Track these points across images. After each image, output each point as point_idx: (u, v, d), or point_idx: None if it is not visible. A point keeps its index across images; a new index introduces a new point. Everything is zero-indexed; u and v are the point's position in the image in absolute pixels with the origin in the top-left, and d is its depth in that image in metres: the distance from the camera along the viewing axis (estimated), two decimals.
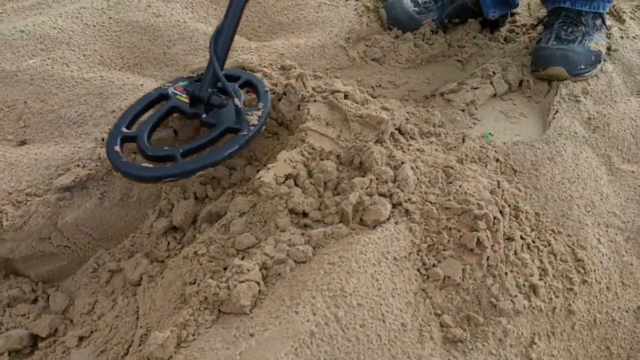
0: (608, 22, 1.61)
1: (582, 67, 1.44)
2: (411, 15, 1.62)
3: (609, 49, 1.55)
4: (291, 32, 1.55)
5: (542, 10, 1.75)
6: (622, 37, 1.60)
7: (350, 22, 1.56)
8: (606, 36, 1.59)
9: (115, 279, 1.10)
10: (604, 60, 1.51)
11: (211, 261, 0.96)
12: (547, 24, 1.54)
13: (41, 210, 1.04)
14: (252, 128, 1.07)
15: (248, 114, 1.10)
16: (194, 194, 1.17)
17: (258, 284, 0.88)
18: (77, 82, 1.25)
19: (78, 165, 1.08)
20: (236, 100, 1.07)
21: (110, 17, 1.42)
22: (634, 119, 1.37)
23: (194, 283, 0.94)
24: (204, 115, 1.09)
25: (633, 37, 1.62)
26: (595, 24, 1.52)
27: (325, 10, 1.61)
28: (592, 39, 1.49)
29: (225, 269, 0.94)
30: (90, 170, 1.09)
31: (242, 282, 0.87)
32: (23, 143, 1.16)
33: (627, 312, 1.07)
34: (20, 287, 1.09)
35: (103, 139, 1.13)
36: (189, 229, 1.15)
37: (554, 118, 1.32)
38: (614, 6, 1.78)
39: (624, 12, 1.74)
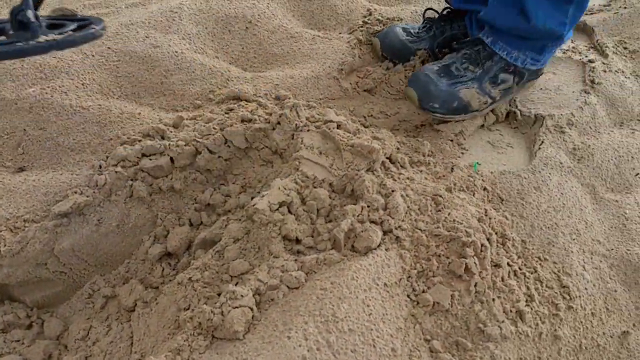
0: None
1: (436, 105, 1.37)
2: (404, 44, 1.64)
3: (592, 82, 1.60)
4: (286, 64, 1.59)
5: None
6: (605, 71, 1.65)
7: (343, 54, 1.61)
8: (509, 101, 1.52)
9: (110, 305, 1.11)
10: (475, 112, 1.44)
11: (205, 287, 0.98)
12: (455, 49, 1.50)
13: (38, 236, 1.05)
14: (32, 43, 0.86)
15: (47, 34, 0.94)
16: (189, 221, 1.19)
17: (251, 309, 0.90)
18: (75, 110, 1.28)
19: (75, 192, 1.10)
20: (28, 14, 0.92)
21: (109, 47, 1.46)
22: (616, 150, 1.42)
23: (188, 309, 0.96)
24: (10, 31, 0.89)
25: (615, 70, 1.67)
26: (498, 77, 1.43)
27: (319, 42, 1.66)
28: (472, 88, 1.40)
29: (219, 294, 0.95)
30: (87, 197, 1.11)
31: (236, 307, 0.89)
32: (21, 170, 1.18)
33: (611, 337, 1.09)
34: (15, 312, 1.09)
35: (100, 167, 1.16)
36: (183, 255, 1.16)
37: (539, 148, 1.36)
38: (597, 41, 1.84)
39: (607, 46, 1.79)
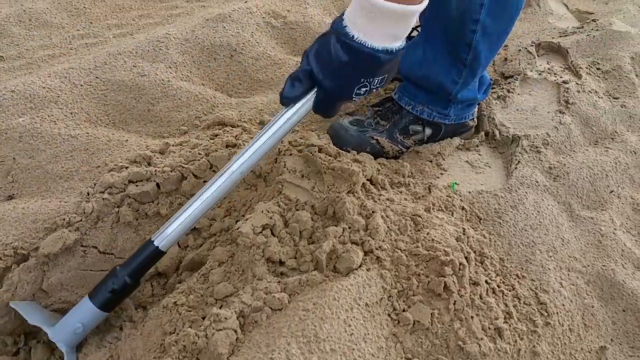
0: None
1: (350, 149, 1.35)
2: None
3: (567, 102, 1.65)
4: (270, 89, 1.63)
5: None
6: (579, 92, 1.71)
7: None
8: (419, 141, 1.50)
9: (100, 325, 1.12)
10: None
11: (190, 310, 1.00)
12: (375, 104, 1.55)
13: (24, 278, 1.08)
14: None
15: None
16: (177, 243, 1.21)
17: (235, 332, 0.92)
18: (64, 138, 1.31)
19: (64, 219, 1.12)
20: None
21: (97, 77, 1.49)
22: (591, 168, 1.46)
23: (174, 332, 0.98)
24: None
25: (589, 91, 1.73)
26: (409, 128, 1.46)
27: None
28: (383, 136, 1.43)
29: (203, 317, 0.98)
30: (76, 229, 1.13)
31: (220, 330, 0.91)
32: (11, 198, 1.20)
33: (589, 352, 1.12)
34: (3, 339, 1.10)
35: (88, 194, 1.18)
36: (172, 274, 1.19)
37: (516, 168, 1.40)
38: (571, 62, 1.90)
39: (580, 67, 1.85)
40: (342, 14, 0.97)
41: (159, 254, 1.05)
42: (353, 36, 0.93)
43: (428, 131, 1.48)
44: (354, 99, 1.02)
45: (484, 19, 1.27)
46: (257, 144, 1.06)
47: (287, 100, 1.05)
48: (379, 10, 0.89)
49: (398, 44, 0.95)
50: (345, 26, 0.94)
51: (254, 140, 1.07)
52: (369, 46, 0.93)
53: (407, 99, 1.46)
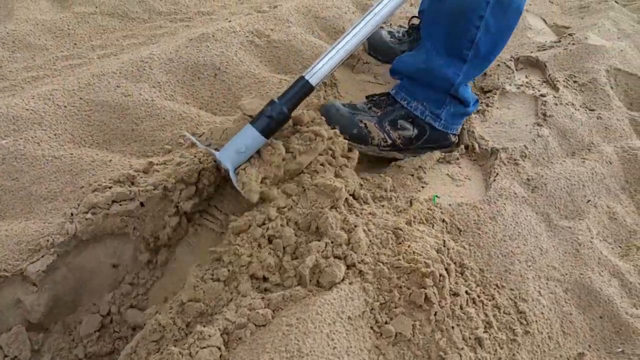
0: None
1: (337, 129, 1.37)
2: (387, 45, 1.94)
3: (544, 115, 1.69)
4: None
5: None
6: (556, 104, 1.75)
7: (309, 96, 1.68)
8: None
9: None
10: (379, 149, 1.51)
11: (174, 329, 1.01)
12: (370, 95, 1.62)
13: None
14: None
15: None
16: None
17: (219, 349, 0.93)
18: (47, 160, 1.32)
19: (47, 241, 1.13)
20: None
21: (81, 98, 1.51)
22: (569, 179, 1.49)
23: (158, 352, 0.98)
24: None
25: (566, 103, 1.77)
26: (397, 122, 1.51)
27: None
28: (372, 121, 1.49)
29: (187, 334, 0.99)
30: (58, 251, 1.14)
31: (204, 348, 0.92)
32: None
33: (568, 359, 1.14)
34: None
35: (72, 214, 1.19)
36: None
37: (494, 180, 1.43)
38: (549, 75, 1.95)
39: (557, 80, 1.90)
40: None
41: (309, 88, 1.23)
42: None
43: (415, 131, 1.52)
44: None
45: (487, 17, 1.35)
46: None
47: None
48: None
49: None
50: None
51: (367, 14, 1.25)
52: None
53: (403, 94, 1.53)
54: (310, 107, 1.53)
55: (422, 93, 1.50)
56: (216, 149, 1.20)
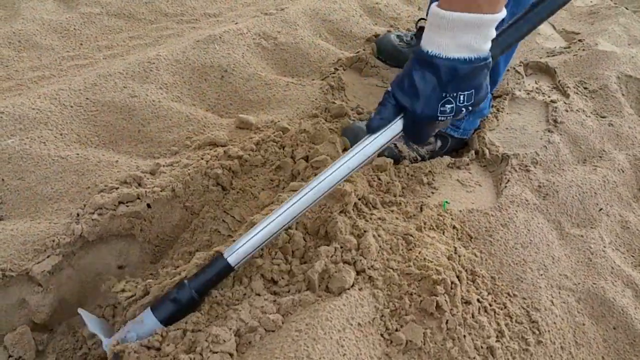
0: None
1: None
2: (397, 49, 1.91)
3: (555, 121, 1.67)
4: (261, 109, 1.64)
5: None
6: (566, 111, 1.73)
7: (316, 99, 1.67)
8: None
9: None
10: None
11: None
12: None
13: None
14: None
15: None
16: None
17: (231, 355, 0.91)
18: (53, 160, 1.30)
19: (53, 241, 1.11)
20: None
21: (87, 98, 1.49)
22: (580, 186, 1.47)
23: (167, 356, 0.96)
24: None
25: (577, 110, 1.75)
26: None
27: (293, 88, 1.72)
28: (400, 142, 1.49)
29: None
30: (64, 254, 1.12)
31: (216, 353, 0.90)
32: (0, 219, 1.19)
33: None
34: None
35: (78, 215, 1.17)
36: None
37: (505, 187, 1.41)
38: (559, 81, 1.93)
39: (568, 87, 1.88)
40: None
41: (228, 269, 1.01)
42: (427, 51, 0.93)
43: (438, 143, 1.55)
44: (439, 118, 0.98)
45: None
46: (339, 164, 1.02)
47: (374, 126, 1.02)
48: (447, 21, 0.88)
49: (477, 54, 0.92)
50: (421, 45, 0.95)
51: (334, 163, 1.03)
52: (444, 57, 0.91)
53: None
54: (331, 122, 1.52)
55: None
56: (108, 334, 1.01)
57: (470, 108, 0.99)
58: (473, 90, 0.97)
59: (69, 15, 2.00)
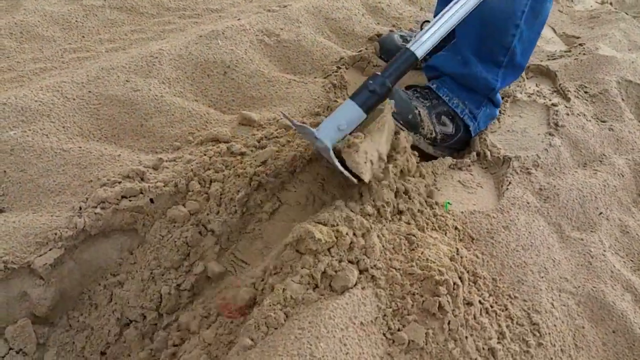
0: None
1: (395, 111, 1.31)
2: (399, 48, 1.85)
3: (556, 124, 1.68)
4: (263, 106, 1.64)
5: None
6: (567, 114, 1.74)
7: (318, 97, 1.67)
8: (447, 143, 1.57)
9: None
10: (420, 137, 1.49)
11: None
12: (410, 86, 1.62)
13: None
14: None
15: None
16: None
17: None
18: (56, 152, 1.30)
19: (55, 234, 1.10)
20: None
21: (89, 91, 1.49)
22: (580, 190, 1.48)
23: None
24: None
25: (577, 114, 1.76)
26: (440, 117, 1.53)
27: (295, 86, 1.71)
28: (425, 109, 1.50)
29: None
30: (66, 247, 1.12)
31: None
32: (1, 211, 1.18)
33: None
34: None
35: (80, 208, 1.17)
36: None
37: (507, 189, 1.41)
38: (560, 85, 1.94)
39: (568, 90, 1.89)
40: None
41: (414, 59, 1.14)
42: None
43: (453, 128, 1.56)
44: None
45: (522, 25, 1.39)
46: None
47: None
48: None
49: None
50: None
51: None
52: None
53: (446, 90, 1.55)
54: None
55: (464, 93, 1.54)
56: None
57: None
58: None
59: (71, 7, 1.99)
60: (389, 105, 1.20)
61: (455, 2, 1.20)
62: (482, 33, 1.44)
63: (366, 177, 1.08)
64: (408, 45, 1.15)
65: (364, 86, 1.11)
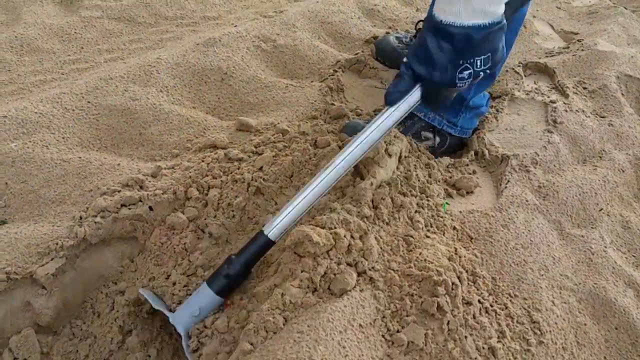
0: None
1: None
2: (396, 50, 1.91)
3: (554, 121, 1.68)
4: (260, 112, 1.65)
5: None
6: (566, 111, 1.74)
7: (315, 101, 1.67)
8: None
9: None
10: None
11: None
12: None
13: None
14: None
15: None
16: None
17: None
18: (56, 163, 1.31)
19: (56, 244, 1.12)
20: None
21: (89, 102, 1.50)
22: (580, 186, 1.48)
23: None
24: None
25: (576, 110, 1.76)
26: (421, 134, 1.53)
27: (292, 91, 1.72)
28: None
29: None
30: (68, 257, 1.13)
31: None
32: (3, 223, 1.19)
33: None
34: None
35: (81, 217, 1.18)
36: None
37: (505, 187, 1.41)
38: (558, 82, 1.94)
39: (567, 87, 1.88)
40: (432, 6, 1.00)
41: (269, 243, 1.10)
42: (441, 20, 0.94)
43: (437, 139, 1.55)
44: (458, 85, 1.01)
45: None
46: (361, 137, 1.12)
47: (392, 98, 1.07)
48: None
49: (491, 19, 0.94)
50: (434, 14, 0.95)
51: (358, 135, 1.13)
52: (458, 25, 0.93)
53: (419, 106, 1.50)
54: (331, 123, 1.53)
55: (439, 105, 1.51)
56: (170, 310, 1.11)
57: (488, 71, 1.01)
58: (490, 54, 0.99)
59: (69, 19, 2.01)
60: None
61: (319, 174, 1.11)
62: None
63: None
64: (263, 228, 1.10)
65: (218, 271, 1.10)
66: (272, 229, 1.09)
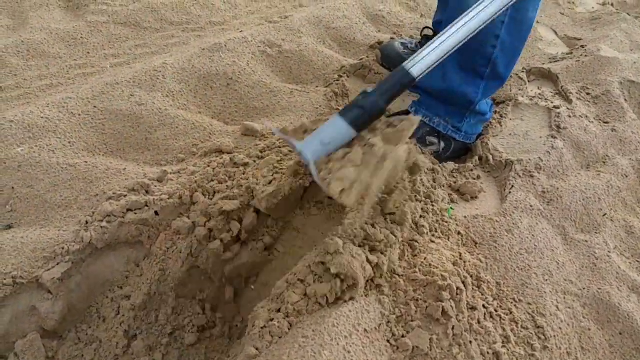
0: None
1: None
2: (401, 56, 1.92)
3: (558, 127, 1.68)
4: (266, 117, 1.65)
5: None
6: (569, 116, 1.74)
7: (320, 106, 1.68)
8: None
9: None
10: None
11: None
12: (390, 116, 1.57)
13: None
14: None
15: None
16: None
17: None
18: (62, 167, 1.32)
19: (62, 249, 1.12)
20: None
21: (95, 106, 1.51)
22: (584, 192, 1.48)
23: None
24: None
25: (580, 116, 1.76)
26: (425, 139, 1.54)
27: (297, 96, 1.73)
28: None
29: None
30: (74, 261, 1.14)
31: None
32: (9, 227, 1.20)
33: None
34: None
35: (87, 222, 1.19)
36: None
37: (510, 192, 1.42)
38: (562, 87, 1.94)
39: (570, 92, 1.89)
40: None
41: (409, 79, 1.05)
42: None
43: (442, 144, 1.56)
44: None
45: (503, 36, 1.36)
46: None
47: None
48: None
49: None
50: None
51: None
52: None
53: (424, 111, 1.55)
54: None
55: (443, 109, 1.53)
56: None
57: None
58: None
59: (76, 24, 2.02)
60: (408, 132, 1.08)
61: (465, 15, 1.10)
62: (464, 45, 1.41)
63: (348, 202, 0.97)
64: (404, 64, 1.06)
65: (354, 102, 1.05)
66: (415, 65, 1.04)
